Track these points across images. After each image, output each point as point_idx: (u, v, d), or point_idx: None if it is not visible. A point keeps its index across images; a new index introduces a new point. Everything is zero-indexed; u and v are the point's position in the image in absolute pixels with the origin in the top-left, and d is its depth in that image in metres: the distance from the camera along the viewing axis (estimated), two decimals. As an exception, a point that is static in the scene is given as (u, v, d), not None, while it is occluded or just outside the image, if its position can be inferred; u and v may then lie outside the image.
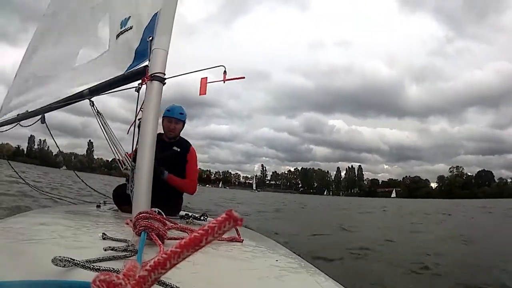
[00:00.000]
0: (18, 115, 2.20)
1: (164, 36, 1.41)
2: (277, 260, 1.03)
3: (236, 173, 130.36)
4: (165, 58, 1.40)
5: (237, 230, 1.25)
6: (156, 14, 1.50)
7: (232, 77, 1.94)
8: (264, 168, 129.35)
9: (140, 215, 0.97)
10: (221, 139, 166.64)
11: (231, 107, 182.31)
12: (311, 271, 0.97)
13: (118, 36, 1.71)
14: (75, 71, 1.90)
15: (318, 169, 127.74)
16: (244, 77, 2.42)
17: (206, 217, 2.17)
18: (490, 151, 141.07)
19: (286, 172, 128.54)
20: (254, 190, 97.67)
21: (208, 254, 0.93)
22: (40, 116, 1.97)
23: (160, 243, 0.88)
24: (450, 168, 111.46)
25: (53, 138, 2.10)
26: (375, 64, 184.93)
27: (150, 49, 1.44)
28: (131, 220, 1.14)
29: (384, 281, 3.30)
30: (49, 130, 1.99)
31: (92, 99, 1.72)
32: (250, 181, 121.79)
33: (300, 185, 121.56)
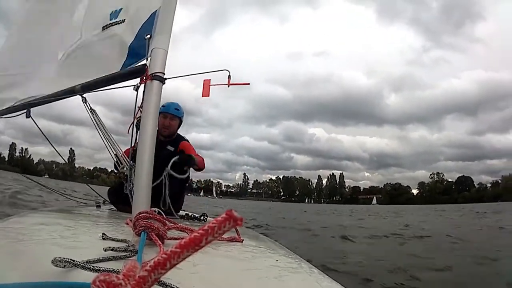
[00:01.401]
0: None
1: (164, 36, 1.40)
2: (277, 260, 1.03)
3: (218, 182, 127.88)
4: (165, 57, 1.39)
5: (237, 230, 1.25)
6: (155, 12, 1.49)
7: (237, 82, 1.94)
8: (246, 177, 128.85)
9: (140, 215, 0.97)
10: (202, 148, 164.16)
11: (211, 115, 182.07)
12: (311, 271, 0.96)
13: (105, 27, 1.65)
14: (56, 62, 1.81)
15: (300, 177, 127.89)
16: (248, 84, 2.44)
17: (206, 217, 2.17)
18: (470, 157, 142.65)
19: (268, 180, 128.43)
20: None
21: (208, 254, 0.92)
22: (25, 110, 1.87)
23: (160, 243, 0.88)
24: (430, 174, 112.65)
25: (41, 132, 1.99)
26: (354, 73, 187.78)
27: (148, 48, 1.43)
28: (131, 220, 1.14)
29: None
30: (36, 124, 1.90)
31: (84, 96, 1.63)
32: (231, 190, 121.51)
33: (281, 194, 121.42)
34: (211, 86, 1.93)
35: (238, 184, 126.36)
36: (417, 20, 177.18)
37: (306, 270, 0.97)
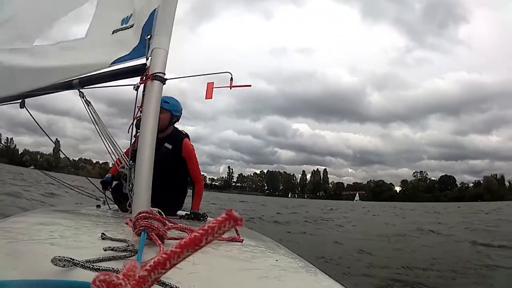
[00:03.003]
0: None
1: (165, 35, 1.40)
2: (277, 260, 1.03)
3: (202, 175, 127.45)
4: (165, 58, 1.39)
5: (236, 230, 1.25)
6: (154, 11, 1.48)
7: (239, 85, 1.98)
8: (231, 170, 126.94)
9: (140, 215, 0.97)
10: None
11: (196, 108, 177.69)
12: (311, 271, 0.97)
13: (114, 32, 1.64)
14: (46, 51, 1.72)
15: (284, 172, 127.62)
16: (250, 85, 2.47)
17: (206, 217, 2.18)
18: (453, 157, 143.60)
19: (252, 174, 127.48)
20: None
21: (208, 254, 0.93)
22: (20, 101, 1.82)
23: (160, 243, 0.88)
24: (414, 172, 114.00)
25: (36, 122, 1.95)
26: (337, 71, 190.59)
27: (148, 48, 1.43)
28: (130, 220, 1.14)
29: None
30: (30, 115, 1.86)
31: (82, 90, 1.62)
32: (216, 183, 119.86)
33: (266, 188, 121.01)
34: (213, 89, 1.96)
35: (222, 177, 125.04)
36: (400, 20, 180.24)
37: (306, 270, 0.97)
